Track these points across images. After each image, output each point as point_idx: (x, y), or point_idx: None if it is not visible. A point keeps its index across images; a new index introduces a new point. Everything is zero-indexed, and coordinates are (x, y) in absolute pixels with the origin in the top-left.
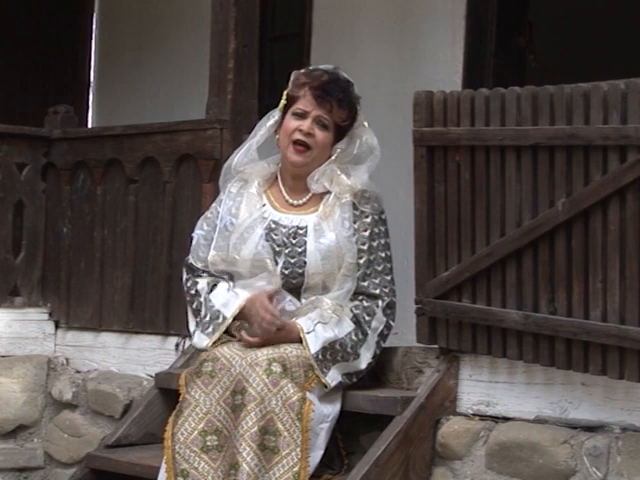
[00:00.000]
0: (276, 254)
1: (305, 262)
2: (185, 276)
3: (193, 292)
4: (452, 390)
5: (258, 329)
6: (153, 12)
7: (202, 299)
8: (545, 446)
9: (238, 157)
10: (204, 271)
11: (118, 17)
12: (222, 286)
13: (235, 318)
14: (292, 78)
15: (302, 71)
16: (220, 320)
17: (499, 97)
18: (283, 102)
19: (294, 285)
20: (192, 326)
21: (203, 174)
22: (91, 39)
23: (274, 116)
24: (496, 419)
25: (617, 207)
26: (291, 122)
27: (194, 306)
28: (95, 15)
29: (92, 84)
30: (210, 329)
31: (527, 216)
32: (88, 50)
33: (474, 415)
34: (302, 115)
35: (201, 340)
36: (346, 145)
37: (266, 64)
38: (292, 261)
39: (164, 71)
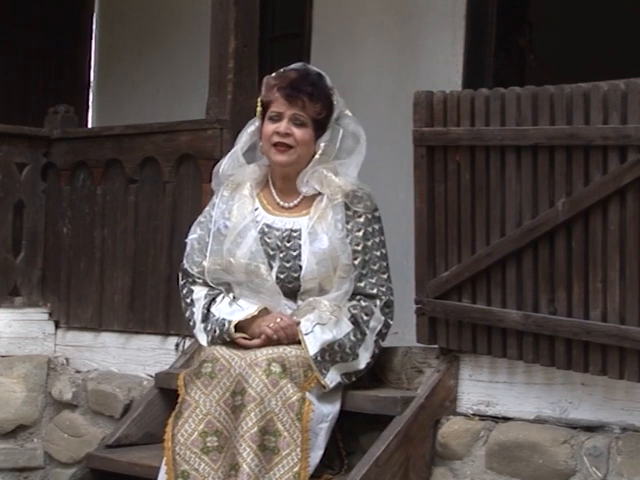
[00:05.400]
0: (270, 258)
1: (300, 266)
2: (181, 281)
3: (188, 301)
4: (452, 390)
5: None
6: (153, 12)
7: (195, 309)
8: (545, 446)
9: (224, 164)
10: (199, 277)
11: (118, 17)
12: (224, 300)
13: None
14: (264, 83)
15: (272, 75)
16: (226, 327)
17: (499, 97)
18: (259, 109)
19: (290, 289)
20: (191, 326)
21: (203, 174)
22: (91, 39)
23: (254, 123)
24: (496, 419)
25: (617, 207)
26: (268, 126)
27: (187, 314)
28: (95, 15)
29: (92, 84)
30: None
31: (527, 216)
32: (88, 50)
33: (474, 415)
34: (277, 117)
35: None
36: (330, 137)
37: (266, 64)
38: (287, 265)
39: (164, 71)
